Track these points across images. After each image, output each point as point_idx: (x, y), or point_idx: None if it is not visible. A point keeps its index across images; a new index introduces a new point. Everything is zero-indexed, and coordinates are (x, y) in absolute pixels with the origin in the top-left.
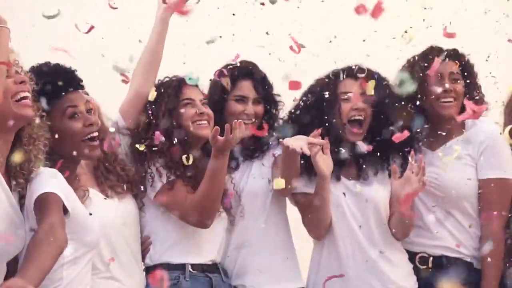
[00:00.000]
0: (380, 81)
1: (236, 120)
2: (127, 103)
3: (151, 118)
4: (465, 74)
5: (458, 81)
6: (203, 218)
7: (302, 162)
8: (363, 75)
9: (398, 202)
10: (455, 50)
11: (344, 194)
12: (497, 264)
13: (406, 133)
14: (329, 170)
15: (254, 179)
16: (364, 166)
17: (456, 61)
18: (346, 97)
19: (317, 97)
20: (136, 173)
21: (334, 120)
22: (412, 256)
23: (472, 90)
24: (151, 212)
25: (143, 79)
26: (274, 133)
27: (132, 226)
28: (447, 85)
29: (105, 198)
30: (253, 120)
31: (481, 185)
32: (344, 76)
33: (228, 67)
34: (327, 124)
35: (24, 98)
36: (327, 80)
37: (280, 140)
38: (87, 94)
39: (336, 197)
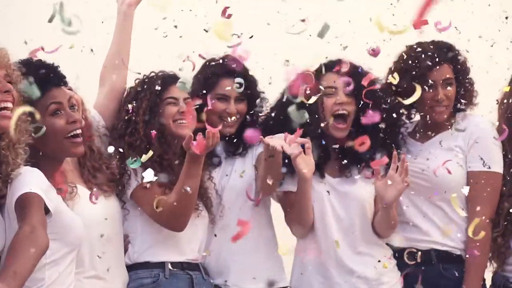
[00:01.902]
0: (364, 75)
1: (208, 129)
2: (104, 100)
3: (132, 114)
4: (458, 73)
5: (451, 84)
6: (176, 222)
7: (286, 160)
8: (345, 69)
9: (383, 202)
10: (449, 49)
11: (328, 192)
12: (482, 259)
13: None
14: (311, 171)
15: (236, 177)
16: (347, 163)
17: (450, 64)
18: (329, 91)
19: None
20: (115, 172)
21: (316, 116)
22: (399, 251)
23: (464, 89)
24: (130, 211)
25: (116, 75)
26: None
27: (117, 225)
28: (440, 96)
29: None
30: (236, 118)
31: (470, 177)
32: (325, 71)
33: (211, 63)
34: (309, 120)
35: (5, 108)
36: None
37: (260, 137)
38: (70, 89)
39: (319, 195)
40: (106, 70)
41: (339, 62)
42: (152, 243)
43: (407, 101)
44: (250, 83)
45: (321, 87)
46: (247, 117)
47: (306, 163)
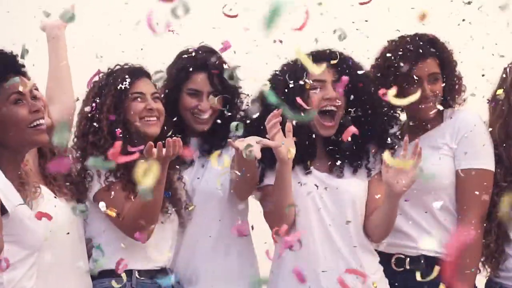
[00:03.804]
0: (355, 68)
1: (170, 138)
2: (56, 116)
3: (95, 112)
4: (444, 67)
5: (438, 80)
6: (138, 230)
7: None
8: (335, 61)
9: (391, 192)
10: (434, 42)
11: (316, 186)
12: (473, 264)
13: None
14: (290, 154)
15: (209, 177)
16: (340, 162)
17: (435, 58)
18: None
19: (283, 85)
20: (77, 173)
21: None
22: (387, 258)
23: (452, 84)
24: (92, 215)
25: (65, 94)
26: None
27: (80, 229)
28: (427, 91)
29: (55, 197)
30: (209, 115)
31: (458, 176)
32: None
33: (183, 55)
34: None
35: None
36: (293, 65)
37: (229, 140)
38: (37, 89)
39: (307, 188)
40: (51, 91)
41: (328, 52)
42: (117, 248)
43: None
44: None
45: (307, 80)
46: (225, 112)
47: (285, 145)
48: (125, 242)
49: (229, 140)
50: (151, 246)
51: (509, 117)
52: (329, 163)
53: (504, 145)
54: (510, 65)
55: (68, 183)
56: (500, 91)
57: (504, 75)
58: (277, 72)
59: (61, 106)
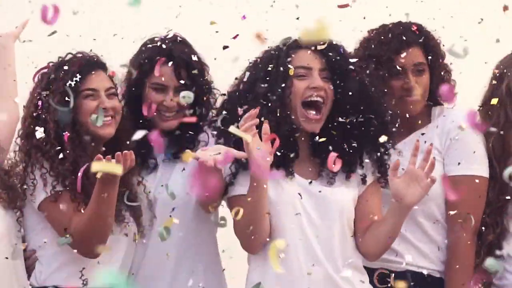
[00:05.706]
0: (346, 56)
1: (120, 152)
2: (4, 132)
3: (41, 111)
4: (431, 58)
5: (424, 71)
6: (88, 247)
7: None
8: (323, 46)
9: (400, 204)
10: (419, 30)
11: (299, 194)
12: (465, 281)
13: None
14: (267, 160)
15: (174, 185)
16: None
17: (421, 47)
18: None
19: (263, 72)
20: (18, 178)
21: (284, 102)
22: (369, 273)
23: (439, 77)
24: (33, 224)
25: (11, 105)
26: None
27: (18, 240)
28: (412, 83)
29: None
30: (176, 112)
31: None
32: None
33: (147, 45)
34: (270, 106)
35: None
36: (276, 51)
37: (187, 151)
38: None
39: (289, 197)
40: None
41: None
42: (61, 262)
43: None
44: (195, 70)
45: (290, 66)
46: (197, 108)
47: (261, 150)
48: (72, 254)
49: (187, 151)
50: (102, 259)
51: (506, 130)
52: (314, 167)
53: (499, 160)
54: (500, 70)
55: (4, 190)
56: (494, 101)
57: (497, 82)
58: (257, 59)
59: (8, 120)
